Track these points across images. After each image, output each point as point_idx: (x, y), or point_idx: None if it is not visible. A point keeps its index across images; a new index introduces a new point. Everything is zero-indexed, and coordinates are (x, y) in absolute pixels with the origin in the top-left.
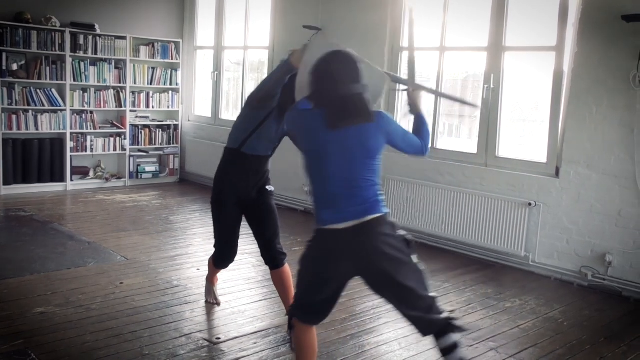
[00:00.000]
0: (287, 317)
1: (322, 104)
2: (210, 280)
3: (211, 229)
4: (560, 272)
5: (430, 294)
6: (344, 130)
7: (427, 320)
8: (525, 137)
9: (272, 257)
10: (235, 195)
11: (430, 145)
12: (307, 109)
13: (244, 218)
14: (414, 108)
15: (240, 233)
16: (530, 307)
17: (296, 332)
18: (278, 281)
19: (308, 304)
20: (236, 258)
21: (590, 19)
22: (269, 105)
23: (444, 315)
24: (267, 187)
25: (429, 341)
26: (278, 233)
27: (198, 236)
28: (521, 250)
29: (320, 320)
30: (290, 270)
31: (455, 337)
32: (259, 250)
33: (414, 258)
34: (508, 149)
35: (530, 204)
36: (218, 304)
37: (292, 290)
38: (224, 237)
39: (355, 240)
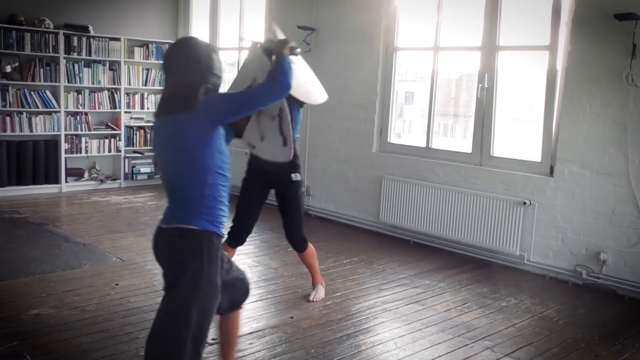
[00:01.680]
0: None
1: None
2: None
3: None
4: (555, 270)
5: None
6: (164, 122)
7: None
8: (520, 136)
9: (291, 243)
10: (259, 177)
11: (289, 81)
12: None
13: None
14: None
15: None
16: (526, 305)
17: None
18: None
19: None
20: (233, 259)
21: (583, 17)
22: None
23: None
24: (292, 176)
25: (426, 340)
26: (295, 223)
27: None
28: (516, 249)
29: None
30: (312, 252)
31: None
32: (255, 250)
33: (193, 296)
34: (502, 148)
35: (524, 203)
36: None
37: (315, 269)
38: (238, 214)
39: (161, 242)
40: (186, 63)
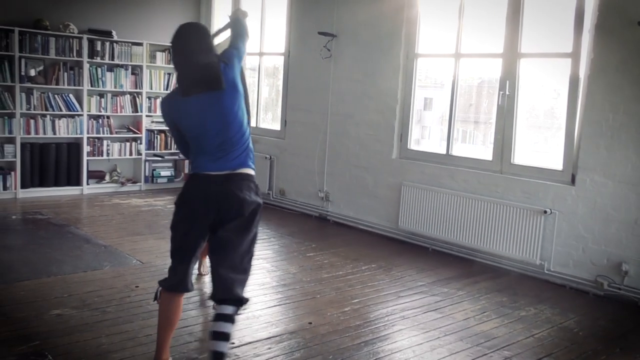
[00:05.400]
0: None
1: (178, 77)
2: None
3: None
4: (576, 280)
5: (245, 267)
6: (197, 98)
7: (228, 283)
8: (541, 144)
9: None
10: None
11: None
12: (170, 94)
13: None
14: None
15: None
16: (545, 316)
17: (162, 301)
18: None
19: (178, 259)
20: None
21: (606, 25)
22: None
23: (242, 294)
24: None
25: (444, 349)
26: None
27: None
28: (536, 259)
29: (182, 287)
30: None
31: (231, 309)
32: (274, 255)
33: (255, 228)
34: (523, 156)
35: (545, 212)
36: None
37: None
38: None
39: (223, 185)
40: (202, 46)
